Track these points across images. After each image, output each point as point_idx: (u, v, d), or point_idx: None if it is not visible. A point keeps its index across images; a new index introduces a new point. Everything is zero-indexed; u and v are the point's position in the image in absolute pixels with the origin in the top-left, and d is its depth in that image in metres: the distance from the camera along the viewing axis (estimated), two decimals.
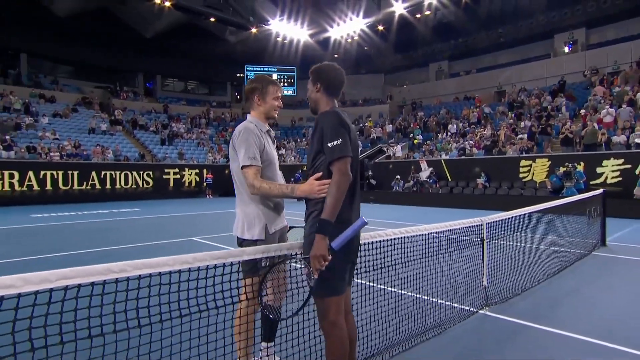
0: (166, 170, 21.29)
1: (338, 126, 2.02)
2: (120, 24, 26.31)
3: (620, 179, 13.31)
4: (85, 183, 18.40)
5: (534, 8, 22.67)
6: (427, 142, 20.67)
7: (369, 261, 2.91)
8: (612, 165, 13.55)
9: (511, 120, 18.59)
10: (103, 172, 18.98)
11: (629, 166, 13.18)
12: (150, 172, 20.69)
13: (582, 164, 13.75)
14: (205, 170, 22.32)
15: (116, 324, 1.72)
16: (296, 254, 2.24)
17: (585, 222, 6.82)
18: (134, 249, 7.37)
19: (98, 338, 1.66)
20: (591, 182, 13.56)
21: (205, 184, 22.02)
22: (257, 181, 2.30)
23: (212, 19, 25.09)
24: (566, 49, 23.69)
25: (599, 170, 13.74)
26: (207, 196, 21.80)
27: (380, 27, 25.60)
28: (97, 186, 18.81)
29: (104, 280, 1.65)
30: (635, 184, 12.58)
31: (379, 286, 3.10)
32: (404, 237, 3.12)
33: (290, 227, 2.81)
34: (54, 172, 17.56)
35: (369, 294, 3.06)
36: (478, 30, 25.41)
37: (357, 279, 2.69)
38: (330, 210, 1.94)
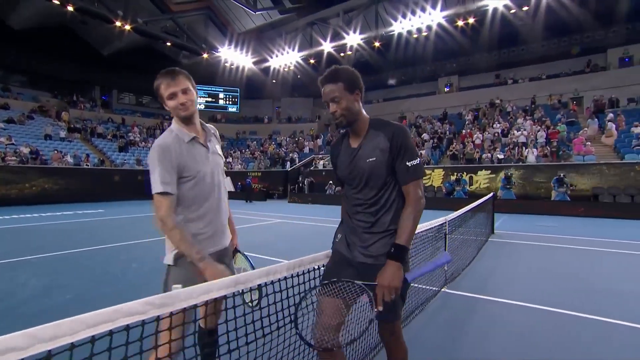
0: (126, 174, 19.24)
1: (413, 144, 1.58)
2: (78, 40, 23.42)
3: (488, 184, 14.94)
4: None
5: (424, 57, 24.63)
6: None
7: None
8: (484, 175, 15.18)
9: (417, 138, 19.88)
10: (65, 175, 16.61)
11: (493, 175, 14.88)
12: (114, 176, 18.60)
13: (465, 173, 15.20)
14: None
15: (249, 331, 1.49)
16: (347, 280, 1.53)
17: (485, 217, 7.52)
18: (125, 247, 6.53)
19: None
20: (470, 187, 15.09)
21: None
22: (170, 219, 1.56)
23: (168, 44, 23.34)
24: (445, 89, 26.18)
25: (475, 178, 15.28)
26: None
27: (312, 61, 25.88)
28: (68, 188, 16.46)
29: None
30: (498, 188, 14.22)
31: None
32: None
33: (237, 251, 2.05)
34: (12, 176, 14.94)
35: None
36: (386, 69, 26.92)
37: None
38: (410, 236, 1.48)
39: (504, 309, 3.55)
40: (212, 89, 29.54)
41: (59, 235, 7.89)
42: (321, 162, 21.52)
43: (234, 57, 25.99)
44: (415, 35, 21.56)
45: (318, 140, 25.53)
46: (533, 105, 19.59)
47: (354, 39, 22.55)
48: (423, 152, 17.84)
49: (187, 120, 1.71)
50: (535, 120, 17.58)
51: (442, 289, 4.08)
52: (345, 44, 23.14)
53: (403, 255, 1.46)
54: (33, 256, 5.68)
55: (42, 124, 20.14)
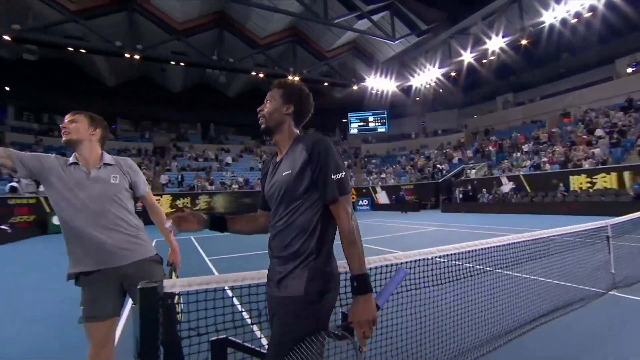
0: None
1: (339, 156, 1.31)
2: (265, 95, 30.05)
3: None
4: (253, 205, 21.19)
5: (589, 41, 20.40)
6: (505, 160, 19.60)
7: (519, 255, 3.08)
8: None
9: (585, 136, 16.78)
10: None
11: None
12: None
13: None
14: None
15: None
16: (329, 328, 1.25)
17: None
18: None
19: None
20: None
21: None
22: None
23: (326, 84, 27.01)
24: (629, 71, 20.79)
25: None
26: None
27: (453, 73, 25.08)
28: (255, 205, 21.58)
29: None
30: None
31: (523, 275, 3.43)
32: (545, 237, 3.20)
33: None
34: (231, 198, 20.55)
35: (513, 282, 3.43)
36: (537, 65, 23.56)
37: (508, 271, 2.98)
38: (360, 261, 1.21)
39: None
40: (362, 114, 32.15)
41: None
42: (472, 171, 20.51)
43: (379, 83, 27.76)
44: (573, 21, 18.31)
45: (468, 150, 24.31)
46: None
47: (496, 42, 20.83)
48: (597, 150, 14.89)
49: (72, 146, 1.83)
50: None
51: (610, 292, 4.03)
52: (486, 50, 21.63)
53: (366, 283, 1.20)
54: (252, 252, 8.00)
55: (248, 160, 26.72)
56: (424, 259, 2.35)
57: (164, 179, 20.63)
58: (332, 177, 1.24)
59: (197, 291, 1.53)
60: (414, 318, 2.46)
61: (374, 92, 28.77)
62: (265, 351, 1.36)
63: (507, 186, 16.67)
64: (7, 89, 22.88)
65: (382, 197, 24.19)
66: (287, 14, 18.96)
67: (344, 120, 33.56)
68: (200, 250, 8.41)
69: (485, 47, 21.42)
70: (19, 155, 1.69)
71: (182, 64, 20.65)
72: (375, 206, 23.85)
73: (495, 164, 20.41)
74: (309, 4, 18.35)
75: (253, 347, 1.65)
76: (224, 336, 1.59)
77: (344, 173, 1.27)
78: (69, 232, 1.74)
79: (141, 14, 19.25)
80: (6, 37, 15.48)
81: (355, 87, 27.70)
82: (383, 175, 25.84)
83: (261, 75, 24.09)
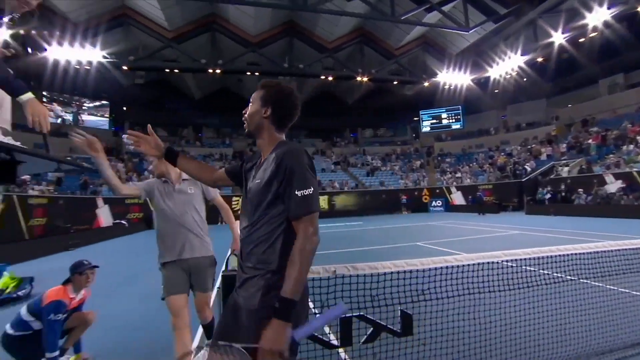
0: (373, 194, 23.12)
1: (309, 170, 1.24)
2: (334, 97, 30.63)
3: None
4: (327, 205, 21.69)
5: None
6: (610, 155, 16.73)
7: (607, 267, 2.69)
8: None
9: None
10: (334, 197, 22.04)
11: None
12: (365, 196, 22.96)
13: None
14: (400, 193, 23.30)
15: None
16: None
17: None
18: (389, 248, 8.15)
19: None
20: None
21: (402, 203, 22.90)
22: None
23: (395, 82, 26.43)
24: None
25: None
26: (403, 212, 22.52)
27: (540, 59, 22.32)
28: (336, 207, 21.93)
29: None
30: None
31: (619, 289, 2.99)
32: None
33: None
34: None
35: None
36: None
37: (597, 282, 2.63)
38: (295, 285, 1.12)
39: None
40: (435, 111, 30.63)
41: (351, 238, 10.51)
42: (565, 169, 18.02)
43: (452, 78, 26.12)
44: None
45: (561, 145, 21.40)
46: None
47: (599, 15, 17.75)
48: None
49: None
50: None
51: None
52: (585, 26, 18.65)
53: (288, 310, 1.11)
54: (332, 251, 7.98)
55: (319, 161, 27.53)
56: (488, 263, 2.29)
57: None
58: (297, 193, 1.18)
59: None
60: (477, 322, 2.41)
61: (446, 87, 27.18)
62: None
63: (613, 185, 14.24)
64: (124, 108, 27.54)
65: (458, 198, 22.71)
66: (354, 16, 19.09)
67: (415, 119, 32.38)
68: None
69: (583, 22, 18.52)
70: (142, 186, 2.46)
71: (256, 73, 22.30)
72: (449, 207, 22.54)
73: (597, 160, 17.57)
74: (375, 3, 18.17)
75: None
76: None
77: (311, 189, 1.20)
78: (161, 229, 2.42)
79: (221, 32, 21.41)
80: (124, 67, 19.85)
81: (426, 84, 26.55)
82: (458, 175, 24.25)
83: (330, 78, 24.64)
